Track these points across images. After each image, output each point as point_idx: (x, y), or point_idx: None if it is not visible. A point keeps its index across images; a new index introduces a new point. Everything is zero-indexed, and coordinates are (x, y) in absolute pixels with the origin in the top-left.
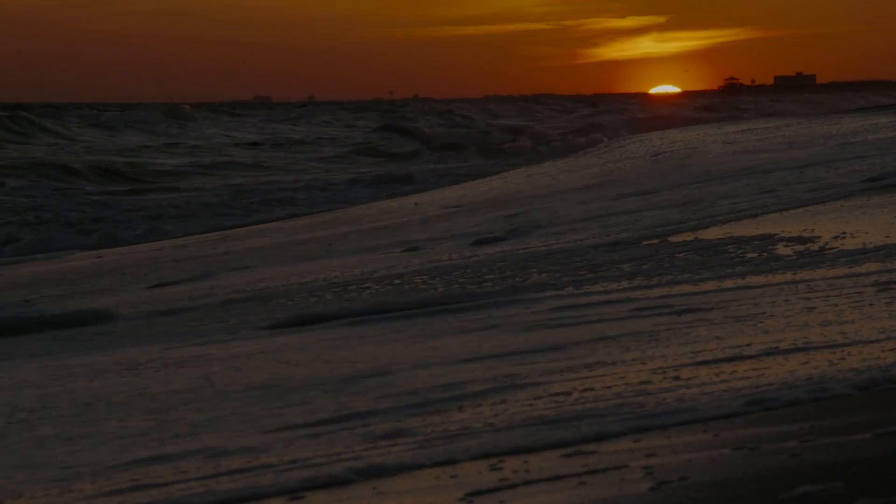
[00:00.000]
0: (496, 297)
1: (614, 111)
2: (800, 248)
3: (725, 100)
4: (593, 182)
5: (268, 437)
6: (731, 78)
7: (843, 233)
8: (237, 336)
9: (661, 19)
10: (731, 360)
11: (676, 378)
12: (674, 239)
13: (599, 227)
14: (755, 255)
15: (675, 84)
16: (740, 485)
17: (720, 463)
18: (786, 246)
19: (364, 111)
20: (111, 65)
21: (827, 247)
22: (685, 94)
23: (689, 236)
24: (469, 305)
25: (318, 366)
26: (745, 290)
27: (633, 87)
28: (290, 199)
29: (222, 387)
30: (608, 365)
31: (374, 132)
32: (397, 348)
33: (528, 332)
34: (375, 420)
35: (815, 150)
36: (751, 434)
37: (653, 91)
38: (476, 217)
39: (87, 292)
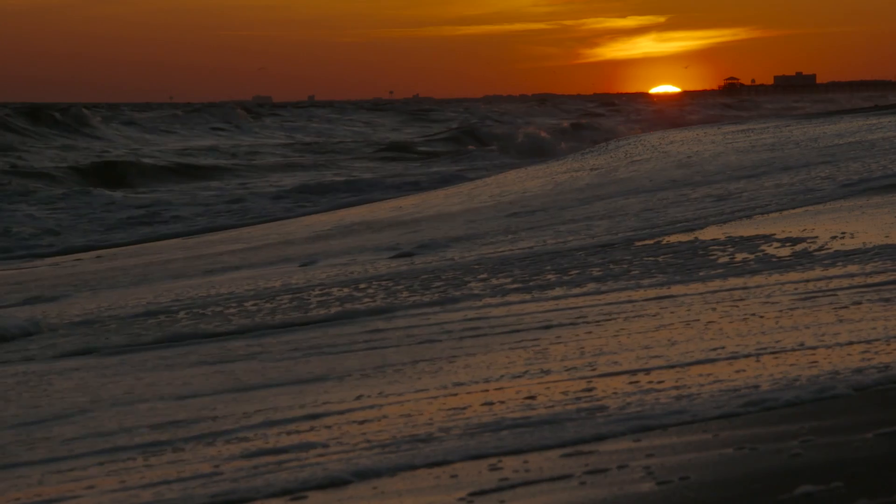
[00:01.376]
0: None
1: (643, 111)
2: (792, 248)
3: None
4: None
5: None
6: (731, 78)
7: (844, 232)
8: None
9: (661, 19)
10: (729, 359)
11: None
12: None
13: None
14: (746, 257)
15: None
16: (740, 485)
17: (720, 463)
18: (779, 247)
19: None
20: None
21: (824, 247)
22: (686, 94)
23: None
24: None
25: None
26: (733, 291)
27: (633, 87)
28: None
29: None
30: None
31: (448, 133)
32: (102, 385)
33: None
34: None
35: (803, 152)
36: (751, 434)
37: (653, 91)
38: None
39: None
